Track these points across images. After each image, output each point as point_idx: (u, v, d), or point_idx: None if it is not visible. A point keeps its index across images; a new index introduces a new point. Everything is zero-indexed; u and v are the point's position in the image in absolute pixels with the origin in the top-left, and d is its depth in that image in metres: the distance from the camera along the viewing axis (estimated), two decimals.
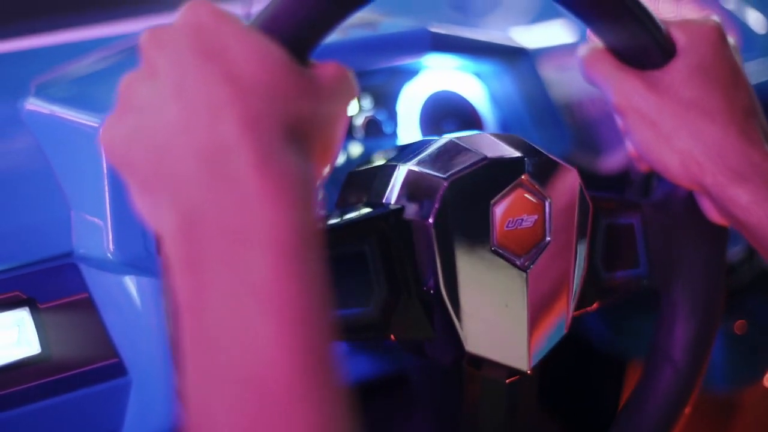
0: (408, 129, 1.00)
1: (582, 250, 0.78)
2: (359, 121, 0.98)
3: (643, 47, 0.78)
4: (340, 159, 0.95)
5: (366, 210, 0.73)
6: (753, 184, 0.76)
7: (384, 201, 0.73)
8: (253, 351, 0.49)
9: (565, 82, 1.05)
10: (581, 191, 0.77)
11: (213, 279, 0.50)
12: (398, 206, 0.72)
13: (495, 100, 1.04)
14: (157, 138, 0.54)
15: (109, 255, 0.80)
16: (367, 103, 0.98)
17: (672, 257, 0.83)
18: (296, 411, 0.48)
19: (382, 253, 0.71)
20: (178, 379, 0.58)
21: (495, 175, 0.73)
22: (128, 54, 0.90)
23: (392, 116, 1.00)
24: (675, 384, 0.83)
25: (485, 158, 0.72)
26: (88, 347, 0.80)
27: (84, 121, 0.81)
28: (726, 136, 0.77)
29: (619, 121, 0.83)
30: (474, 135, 0.77)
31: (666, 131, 0.78)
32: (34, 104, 0.85)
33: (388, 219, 0.71)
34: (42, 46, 0.98)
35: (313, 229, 0.53)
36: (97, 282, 0.81)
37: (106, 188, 0.80)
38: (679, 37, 0.79)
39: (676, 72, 0.78)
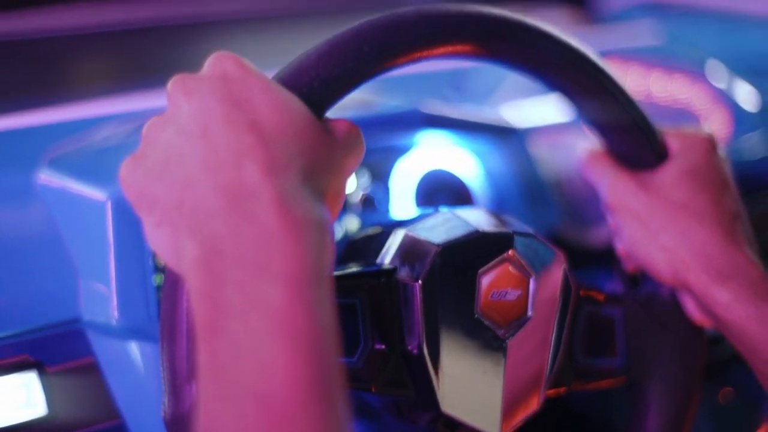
0: (402, 205, 1.03)
1: (561, 330, 0.80)
2: (356, 198, 1.00)
3: (638, 149, 0.82)
4: (338, 234, 0.97)
5: (361, 267, 0.76)
6: (735, 283, 0.79)
7: (379, 262, 0.76)
8: (265, 371, 0.52)
9: (555, 159, 1.07)
10: (566, 275, 0.80)
11: (230, 305, 0.54)
12: (391, 267, 0.75)
13: (487, 176, 1.06)
14: (182, 174, 0.58)
15: (113, 321, 0.83)
16: (364, 179, 1.01)
17: (650, 353, 0.85)
18: (304, 425, 0.51)
19: (371, 309, 0.74)
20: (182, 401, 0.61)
21: (484, 247, 0.75)
22: (138, 131, 0.93)
23: (387, 192, 1.02)
24: None
25: (477, 231, 0.76)
26: (93, 409, 0.83)
27: (93, 195, 0.84)
28: (712, 237, 0.80)
29: (610, 220, 0.87)
30: (471, 210, 0.81)
31: (654, 230, 0.82)
32: (46, 177, 0.88)
33: (380, 277, 0.75)
34: (56, 122, 1.01)
35: (325, 266, 0.56)
36: (102, 347, 0.84)
37: (112, 258, 0.83)
38: (673, 143, 0.83)
39: (667, 174, 0.82)
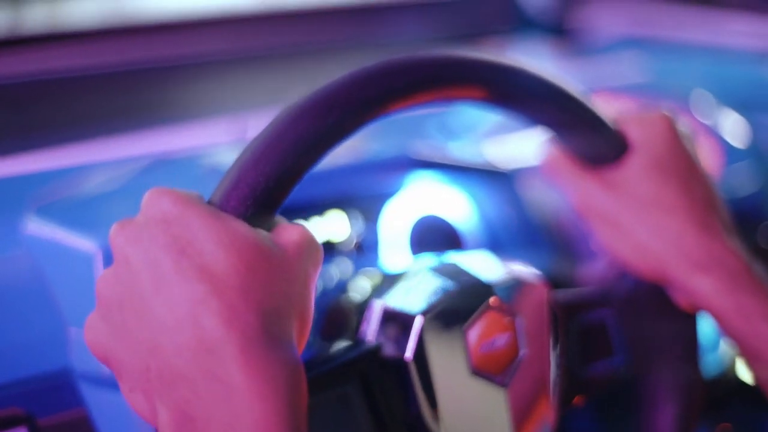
0: (394, 248, 1.02)
1: (556, 354, 0.79)
2: (349, 245, 0.99)
3: (593, 143, 0.79)
4: (330, 283, 0.96)
5: (346, 351, 0.75)
6: (713, 275, 0.77)
7: (363, 336, 0.76)
8: None
9: (546, 199, 1.06)
10: (550, 298, 0.79)
11: None
12: (376, 344, 0.74)
13: (477, 218, 1.06)
14: (143, 336, 0.56)
15: (105, 371, 0.79)
16: (357, 224, 1.00)
17: (647, 343, 0.85)
18: None
19: (365, 393, 0.73)
20: None
21: (465, 303, 0.75)
22: (128, 178, 0.93)
23: (378, 236, 1.02)
24: None
25: (454, 288, 0.75)
26: None
27: (81, 245, 0.83)
28: (685, 229, 0.78)
29: (581, 223, 0.85)
30: (444, 264, 0.80)
31: (625, 228, 0.80)
32: (34, 225, 0.87)
33: (367, 359, 0.74)
34: (41, 170, 1.00)
35: (297, 411, 0.55)
36: (94, 398, 0.82)
37: None
38: (632, 131, 0.80)
39: (630, 169, 0.79)
